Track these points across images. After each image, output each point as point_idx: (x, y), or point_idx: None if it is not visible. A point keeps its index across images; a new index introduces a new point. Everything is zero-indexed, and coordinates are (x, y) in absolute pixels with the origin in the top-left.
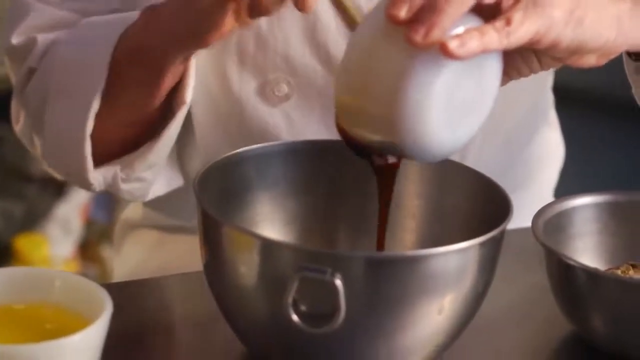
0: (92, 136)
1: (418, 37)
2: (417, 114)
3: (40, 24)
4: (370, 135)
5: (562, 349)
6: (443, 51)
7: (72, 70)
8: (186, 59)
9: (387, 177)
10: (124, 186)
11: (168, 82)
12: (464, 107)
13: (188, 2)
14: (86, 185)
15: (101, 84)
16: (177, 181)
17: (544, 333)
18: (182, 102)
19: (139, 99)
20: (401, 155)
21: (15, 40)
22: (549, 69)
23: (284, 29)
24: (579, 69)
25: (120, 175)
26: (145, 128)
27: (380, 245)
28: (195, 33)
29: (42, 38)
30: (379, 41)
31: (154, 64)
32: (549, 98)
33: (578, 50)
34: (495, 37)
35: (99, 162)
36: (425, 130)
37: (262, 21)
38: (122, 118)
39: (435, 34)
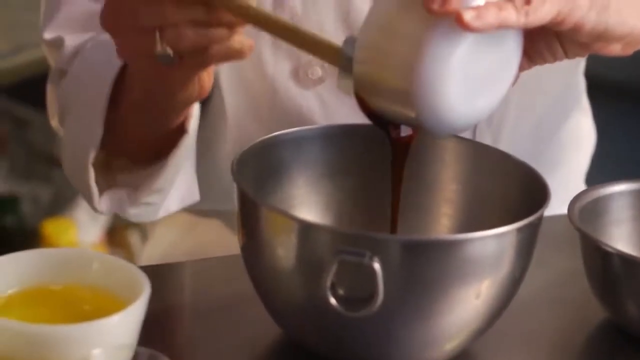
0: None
1: (435, 5)
2: (434, 85)
3: (71, 19)
4: (388, 106)
5: (595, 335)
6: (458, 22)
7: (81, 94)
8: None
9: (401, 150)
10: (132, 210)
11: (174, 119)
12: (481, 82)
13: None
14: (95, 209)
15: (101, 116)
16: (192, 197)
17: (578, 319)
18: (184, 131)
19: (150, 127)
20: (418, 126)
21: (47, 35)
22: (574, 57)
23: (318, 12)
24: (612, 60)
25: (127, 201)
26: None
27: (394, 229)
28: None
29: (70, 40)
30: (397, 10)
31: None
32: (582, 82)
33: (603, 36)
34: (514, 14)
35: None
36: (442, 101)
37: (297, 4)
38: (140, 140)
39: (453, 3)
